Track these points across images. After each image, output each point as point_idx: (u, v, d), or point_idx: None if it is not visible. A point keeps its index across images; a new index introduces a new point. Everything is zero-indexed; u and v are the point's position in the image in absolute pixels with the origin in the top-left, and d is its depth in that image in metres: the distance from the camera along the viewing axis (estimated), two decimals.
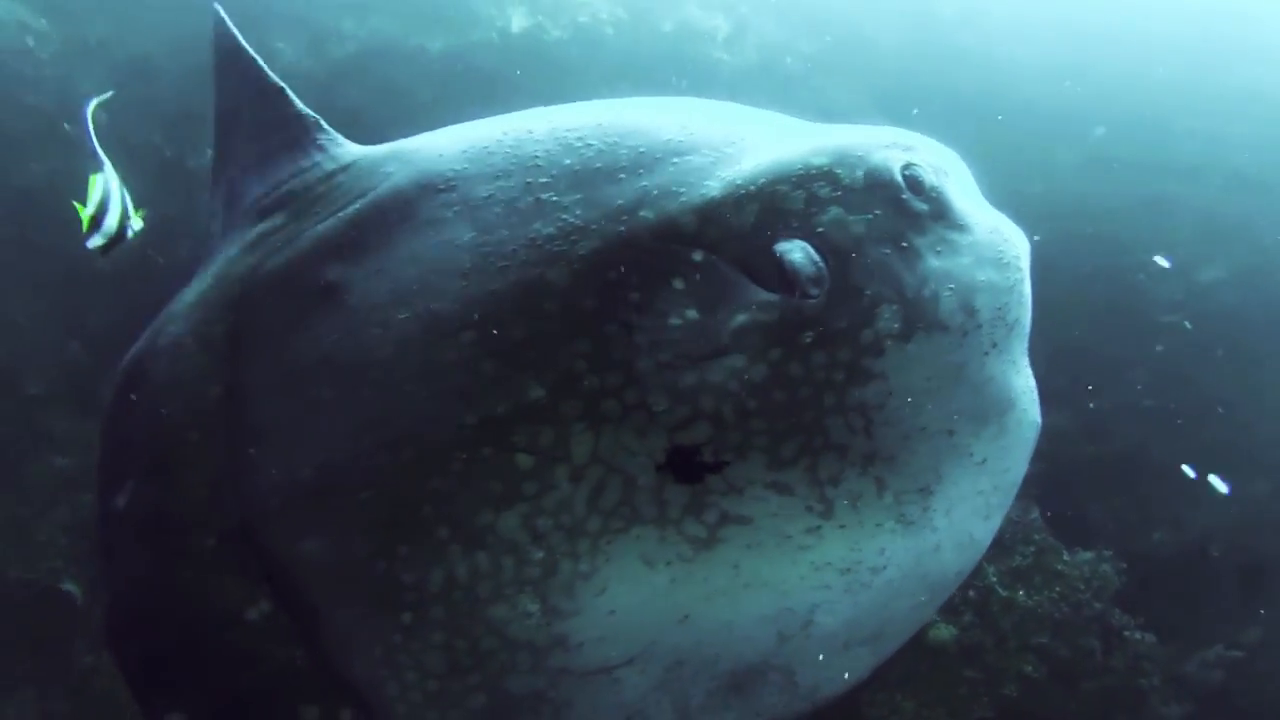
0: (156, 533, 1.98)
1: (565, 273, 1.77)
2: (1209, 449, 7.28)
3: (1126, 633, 6.23)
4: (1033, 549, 5.91)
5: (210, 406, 1.96)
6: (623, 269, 1.75)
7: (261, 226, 2.19)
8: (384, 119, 7.43)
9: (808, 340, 1.73)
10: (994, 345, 1.85)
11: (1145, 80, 8.44)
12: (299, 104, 2.36)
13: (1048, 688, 5.76)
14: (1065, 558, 5.98)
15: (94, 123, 3.30)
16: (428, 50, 7.54)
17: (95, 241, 3.12)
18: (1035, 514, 6.04)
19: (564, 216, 1.83)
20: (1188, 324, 7.48)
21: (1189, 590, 6.91)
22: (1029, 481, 6.12)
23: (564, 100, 6.88)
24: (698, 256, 1.76)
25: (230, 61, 2.54)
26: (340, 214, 2.05)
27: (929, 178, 1.88)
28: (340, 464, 1.79)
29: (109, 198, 3.10)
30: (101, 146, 3.22)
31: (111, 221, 3.09)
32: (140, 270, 6.12)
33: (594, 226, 1.80)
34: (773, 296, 1.74)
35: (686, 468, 1.69)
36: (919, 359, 1.76)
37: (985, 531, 1.91)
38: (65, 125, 6.31)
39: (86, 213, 3.09)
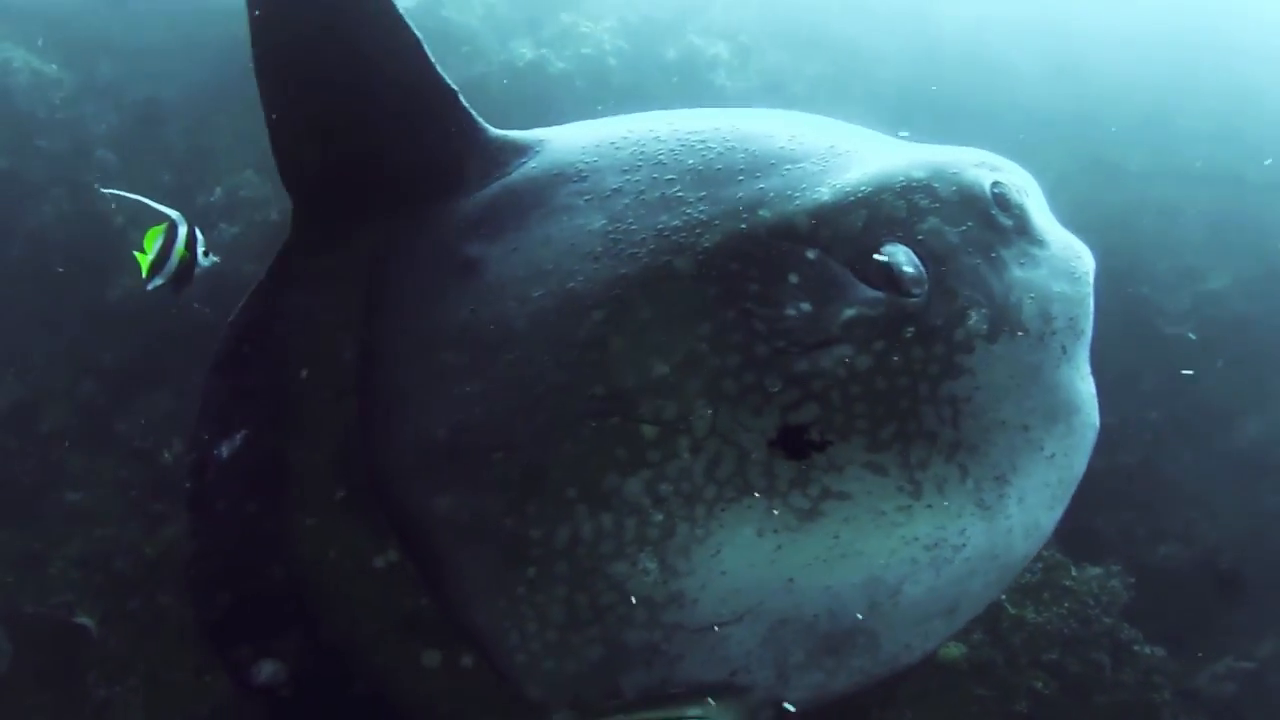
0: (278, 482, 2.07)
1: (691, 262, 1.91)
2: (1218, 460, 7.30)
3: (1136, 647, 6.21)
4: (1041, 565, 5.91)
5: (343, 367, 2.08)
6: (743, 262, 1.91)
7: (394, 202, 2.28)
8: None
9: (908, 335, 1.89)
10: (1064, 351, 2.01)
11: (1146, 82, 8.47)
12: (444, 76, 2.36)
13: (1059, 703, 5.75)
14: (1074, 573, 5.99)
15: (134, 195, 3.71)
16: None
17: (156, 283, 3.44)
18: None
19: (689, 211, 1.98)
20: (1192, 335, 7.50)
21: (1199, 603, 6.91)
22: None
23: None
24: (811, 255, 1.91)
25: (378, 38, 2.35)
26: (476, 195, 2.18)
27: (1014, 196, 2.06)
28: (475, 426, 1.90)
29: (170, 243, 3.41)
30: (116, 187, 3.36)
31: (172, 265, 3.42)
32: (152, 308, 6.23)
33: (716, 222, 1.95)
34: (878, 294, 1.90)
35: (795, 445, 1.84)
36: (1002, 358, 1.92)
37: (1050, 521, 2.07)
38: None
39: (148, 259, 3.41)
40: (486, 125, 2.32)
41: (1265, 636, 7.02)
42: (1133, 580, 6.17)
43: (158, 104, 7.55)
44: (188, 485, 2.19)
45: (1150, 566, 6.69)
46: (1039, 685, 5.79)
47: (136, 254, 3.46)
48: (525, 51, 7.73)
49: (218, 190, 7.19)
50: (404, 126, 2.29)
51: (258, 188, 7.31)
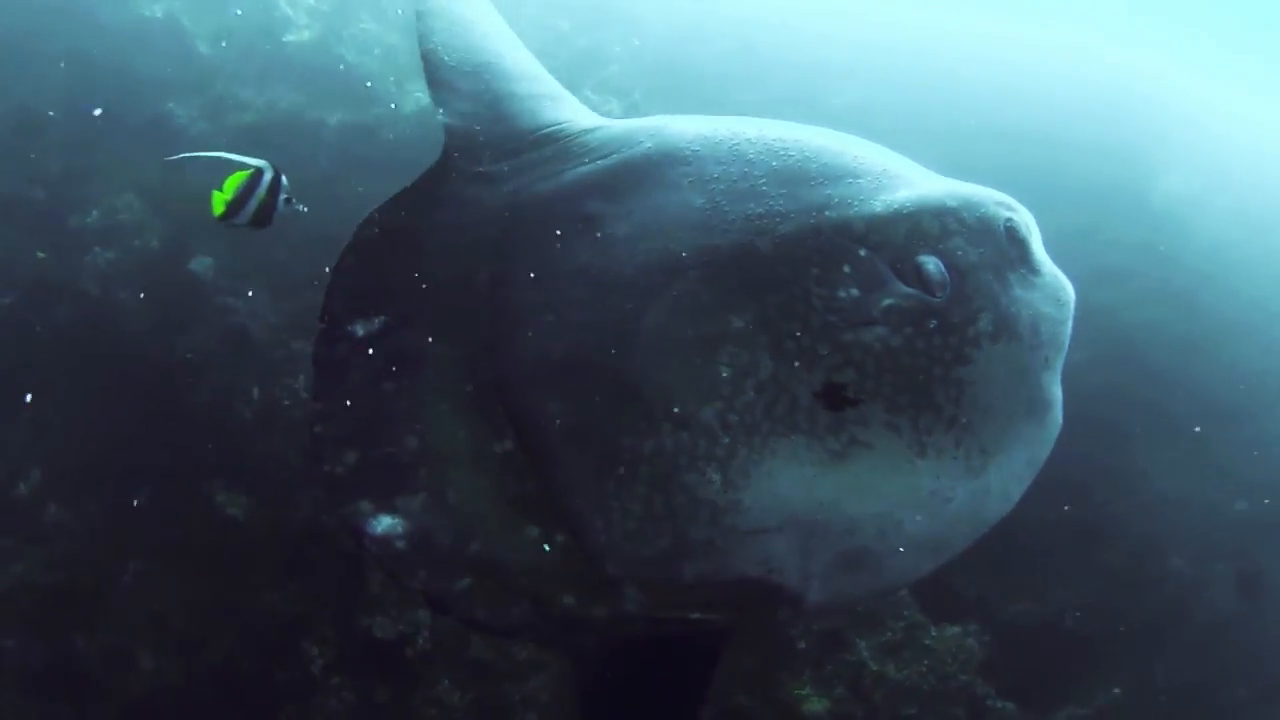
0: (415, 368, 2.43)
1: (769, 244, 2.35)
2: (1070, 524, 7.68)
3: (990, 702, 6.51)
4: (903, 624, 6.16)
5: (479, 286, 2.46)
6: (808, 250, 2.35)
7: (530, 155, 2.68)
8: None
9: (931, 326, 2.32)
10: (1047, 361, 2.46)
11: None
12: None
13: None
14: (934, 632, 6.24)
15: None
16: (326, 123, 7.59)
17: (233, 223, 3.75)
18: (904, 590, 6.29)
19: (770, 203, 2.41)
20: None
21: (1047, 659, 7.23)
22: None
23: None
24: (862, 252, 2.35)
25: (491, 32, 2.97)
26: (600, 163, 2.60)
27: (1021, 230, 2.48)
28: (586, 348, 2.34)
29: (252, 189, 3.71)
30: None
31: (249, 210, 3.72)
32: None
33: (792, 215, 2.39)
34: (911, 291, 2.34)
35: (834, 399, 2.28)
36: (1001, 357, 2.36)
37: (1017, 492, 2.50)
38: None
39: (224, 198, 3.71)
40: (591, 111, 2.88)
41: (1101, 687, 7.40)
42: (987, 639, 6.45)
43: (32, 114, 7.29)
44: (316, 352, 2.51)
45: (1004, 624, 6.98)
46: None
47: (214, 191, 3.70)
48: (420, 95, 7.74)
49: (95, 213, 6.97)
50: (530, 99, 2.83)
51: (137, 212, 7.11)
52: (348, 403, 2.45)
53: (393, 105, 7.81)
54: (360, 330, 2.49)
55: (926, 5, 10.75)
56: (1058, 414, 2.51)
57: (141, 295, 6.74)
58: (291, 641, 6.05)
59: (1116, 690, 7.20)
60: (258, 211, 3.76)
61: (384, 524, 2.39)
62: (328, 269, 2.61)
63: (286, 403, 6.59)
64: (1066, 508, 7.50)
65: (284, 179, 3.79)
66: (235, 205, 3.75)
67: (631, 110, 8.44)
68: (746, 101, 9.08)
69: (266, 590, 6.19)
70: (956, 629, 6.37)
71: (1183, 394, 8.23)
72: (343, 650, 6.03)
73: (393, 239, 2.59)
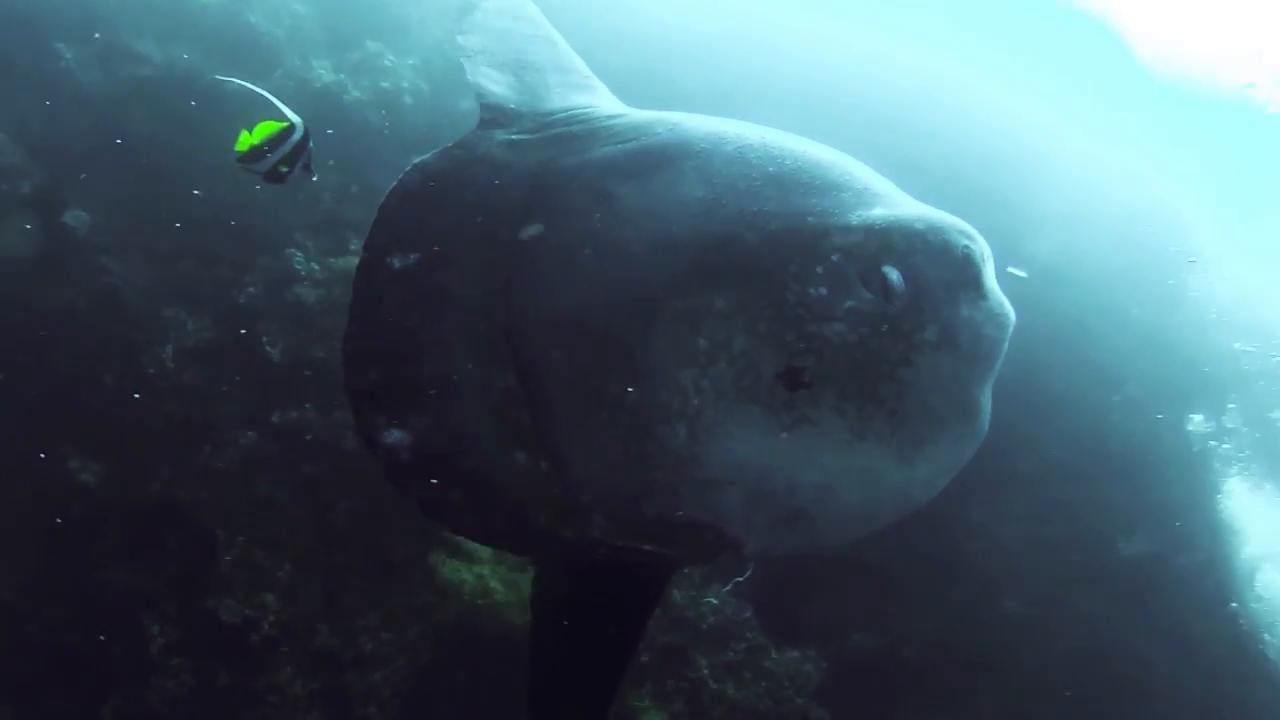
0: (440, 304, 2.73)
1: (757, 238, 2.63)
2: (916, 560, 8.00)
3: None
4: (744, 645, 6.36)
5: (503, 239, 2.73)
6: (790, 249, 2.62)
7: (559, 131, 2.95)
8: (170, 146, 7.27)
9: (884, 329, 2.58)
10: (982, 374, 2.71)
11: None
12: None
13: None
14: (773, 655, 6.45)
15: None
16: (224, 88, 7.42)
17: (247, 167, 3.80)
18: (749, 613, 6.51)
19: (763, 203, 2.67)
20: None
21: (882, 688, 7.52)
22: (744, 582, 6.56)
23: (364, 153, 6.90)
24: (835, 258, 2.61)
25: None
26: (620, 146, 2.86)
27: (976, 258, 2.71)
28: (590, 307, 2.62)
29: (276, 145, 3.79)
30: None
31: (266, 164, 3.80)
32: None
33: (780, 216, 2.66)
34: (872, 297, 2.60)
35: (792, 380, 2.55)
36: (942, 364, 2.62)
37: (941, 483, 2.79)
38: None
39: (249, 142, 3.77)
40: (616, 99, 3.13)
41: (932, 718, 7.73)
42: (825, 665, 6.69)
43: None
44: (357, 279, 2.78)
45: (843, 652, 7.23)
46: None
47: (244, 131, 3.76)
48: (324, 73, 7.64)
49: None
50: (563, 83, 3.12)
51: (9, 155, 6.84)
52: (378, 327, 2.77)
53: (293, 78, 7.68)
54: (397, 264, 2.77)
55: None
56: (984, 422, 2.77)
57: (5, 243, 6.50)
58: (132, 618, 5.93)
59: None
60: (275, 167, 3.85)
61: (393, 436, 2.69)
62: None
63: (152, 371, 6.44)
64: (915, 544, 7.81)
65: (311, 144, 3.88)
66: (257, 152, 3.81)
67: None
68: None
69: (111, 562, 6.06)
70: (796, 654, 6.60)
71: (1026, 449, 8.57)
72: (186, 631, 5.94)
73: (433, 187, 2.88)
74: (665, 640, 6.42)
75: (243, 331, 6.67)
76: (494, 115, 2.99)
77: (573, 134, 2.94)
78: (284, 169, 3.87)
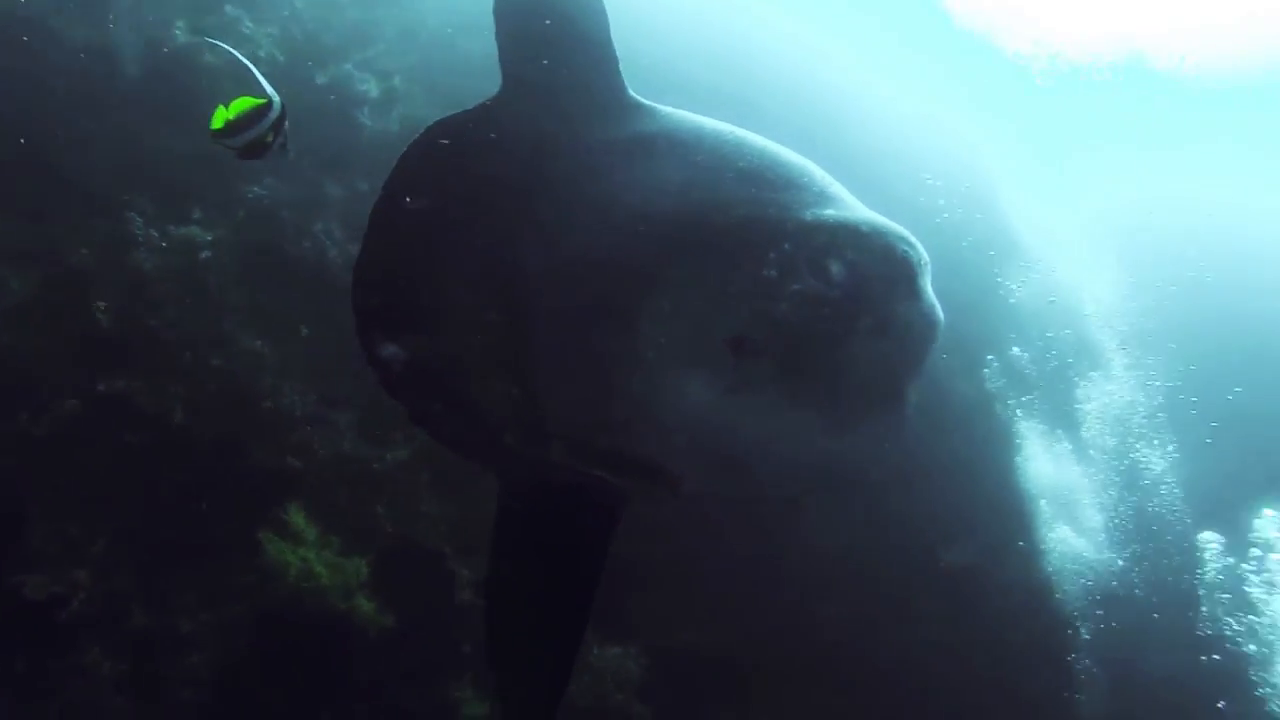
0: (445, 240, 3.09)
1: (723, 221, 2.91)
2: (741, 559, 8.21)
3: None
4: None
5: (512, 193, 3.08)
6: (749, 234, 2.87)
7: (567, 108, 3.24)
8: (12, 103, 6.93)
9: (824, 313, 2.81)
10: (909, 366, 2.96)
11: None
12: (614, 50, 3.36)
13: None
14: (596, 651, 6.54)
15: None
16: (70, 37, 7.12)
17: (224, 142, 3.85)
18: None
19: (732, 192, 2.97)
20: None
21: (703, 687, 7.69)
22: None
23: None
24: (787, 246, 2.85)
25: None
26: (616, 131, 3.18)
27: (914, 262, 2.94)
28: (575, 261, 2.95)
29: (255, 121, 3.84)
30: None
31: (244, 139, 3.85)
32: None
33: (744, 204, 2.94)
34: (816, 283, 2.83)
35: (738, 348, 2.79)
36: (873, 349, 2.85)
37: (858, 461, 3.03)
38: None
39: (225, 117, 3.82)
40: (630, 91, 3.34)
41: (758, 716, 7.96)
42: (647, 663, 6.81)
43: None
44: (374, 210, 3.12)
45: (667, 650, 7.37)
46: None
47: (220, 106, 3.82)
48: (179, 34, 7.38)
49: None
50: (579, 64, 3.32)
51: None
52: (386, 257, 3.13)
53: (146, 37, 7.41)
54: (409, 206, 3.13)
55: None
56: (908, 411, 3.04)
57: None
58: None
59: None
60: (253, 143, 3.91)
61: (389, 350, 3.07)
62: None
63: None
64: (743, 547, 8.03)
65: (286, 122, 3.94)
66: (234, 128, 3.87)
67: (388, 96, 8.29)
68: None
69: None
70: (619, 650, 6.70)
71: None
72: None
73: (454, 141, 3.21)
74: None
75: (71, 294, 6.41)
76: (514, 86, 3.31)
77: (579, 113, 3.28)
78: (269, 139, 3.92)
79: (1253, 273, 12.24)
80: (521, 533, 3.17)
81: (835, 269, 2.86)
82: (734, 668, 8.05)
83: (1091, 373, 10.97)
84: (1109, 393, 10.88)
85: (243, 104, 3.87)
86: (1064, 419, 10.66)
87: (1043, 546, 9.84)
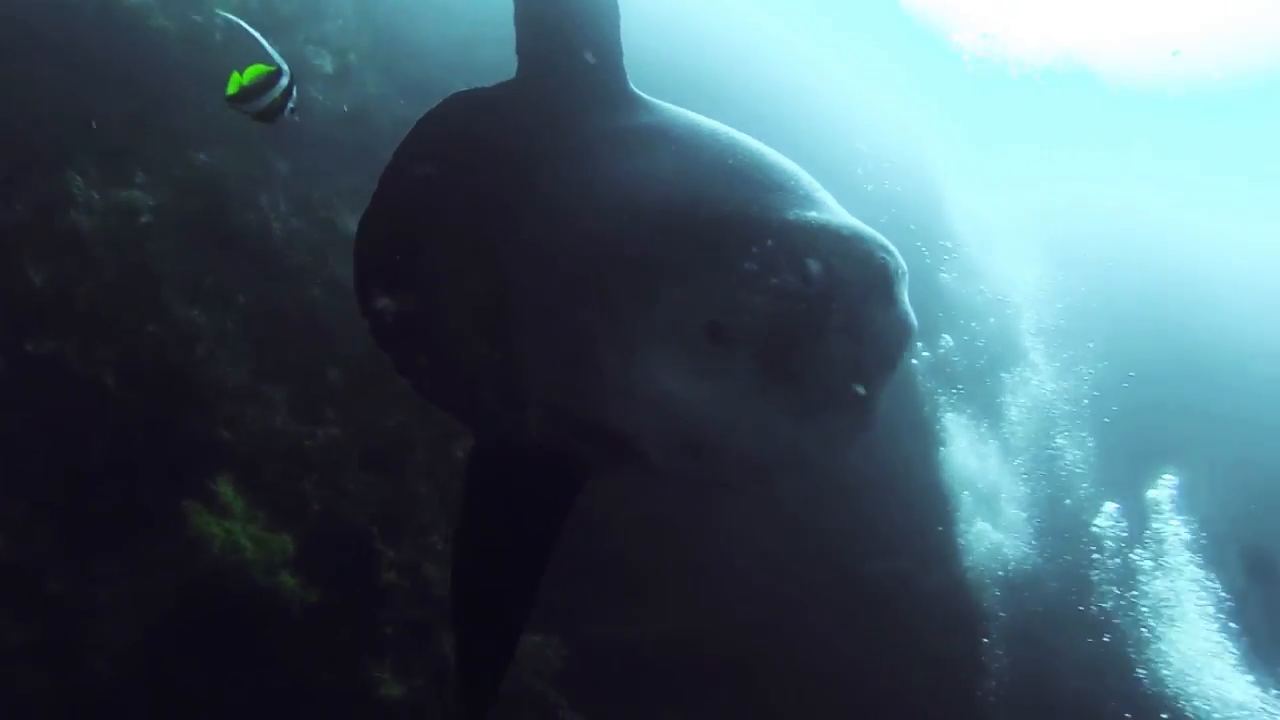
0: (446, 205, 3.26)
1: (710, 214, 3.03)
2: (668, 558, 8.32)
3: (561, 712, 6.96)
4: None
5: (507, 174, 3.25)
6: (733, 228, 2.98)
7: (575, 97, 3.39)
8: None
9: (801, 308, 2.91)
10: (879, 369, 3.05)
11: None
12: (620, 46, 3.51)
13: None
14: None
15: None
16: None
17: (239, 108, 4.09)
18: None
19: (720, 189, 3.09)
20: None
21: (623, 679, 7.78)
22: None
23: (160, 85, 6.59)
24: (770, 243, 2.95)
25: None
26: (618, 121, 3.34)
27: (892, 270, 3.05)
28: (567, 241, 3.11)
29: (267, 87, 4.07)
30: None
31: (258, 105, 4.09)
32: None
33: (731, 200, 3.06)
34: (794, 280, 2.93)
35: (715, 333, 2.88)
36: (845, 349, 2.95)
37: (822, 456, 3.15)
38: None
39: (239, 83, 4.02)
40: (632, 86, 3.49)
41: (668, 713, 8.06)
42: (567, 653, 6.88)
43: None
44: (384, 174, 3.28)
45: (588, 641, 7.44)
46: None
47: (234, 72, 4.00)
48: None
49: None
50: (588, 53, 3.43)
51: None
52: (391, 215, 3.31)
53: None
54: (418, 171, 3.30)
55: None
56: (874, 417, 3.15)
57: None
58: None
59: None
60: (267, 108, 4.12)
61: (382, 302, 3.25)
62: None
63: None
64: (670, 546, 8.14)
65: (295, 90, 4.17)
66: (248, 94, 4.07)
67: (342, 73, 8.27)
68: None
69: None
70: (539, 639, 6.76)
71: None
72: None
73: (465, 116, 3.38)
74: (412, 614, 6.47)
75: (2, 252, 6.29)
76: (529, 71, 3.47)
77: (584, 100, 3.44)
78: (281, 105, 4.18)
79: (1168, 275, 12.71)
80: (491, 491, 3.34)
81: (813, 268, 2.96)
82: (651, 663, 8.15)
83: (1015, 365, 11.21)
84: (1032, 384, 11.14)
85: (256, 70, 4.07)
86: (989, 411, 10.89)
87: (962, 541, 10.08)
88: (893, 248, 3.15)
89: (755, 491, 8.60)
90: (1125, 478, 10.50)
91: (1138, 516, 10.30)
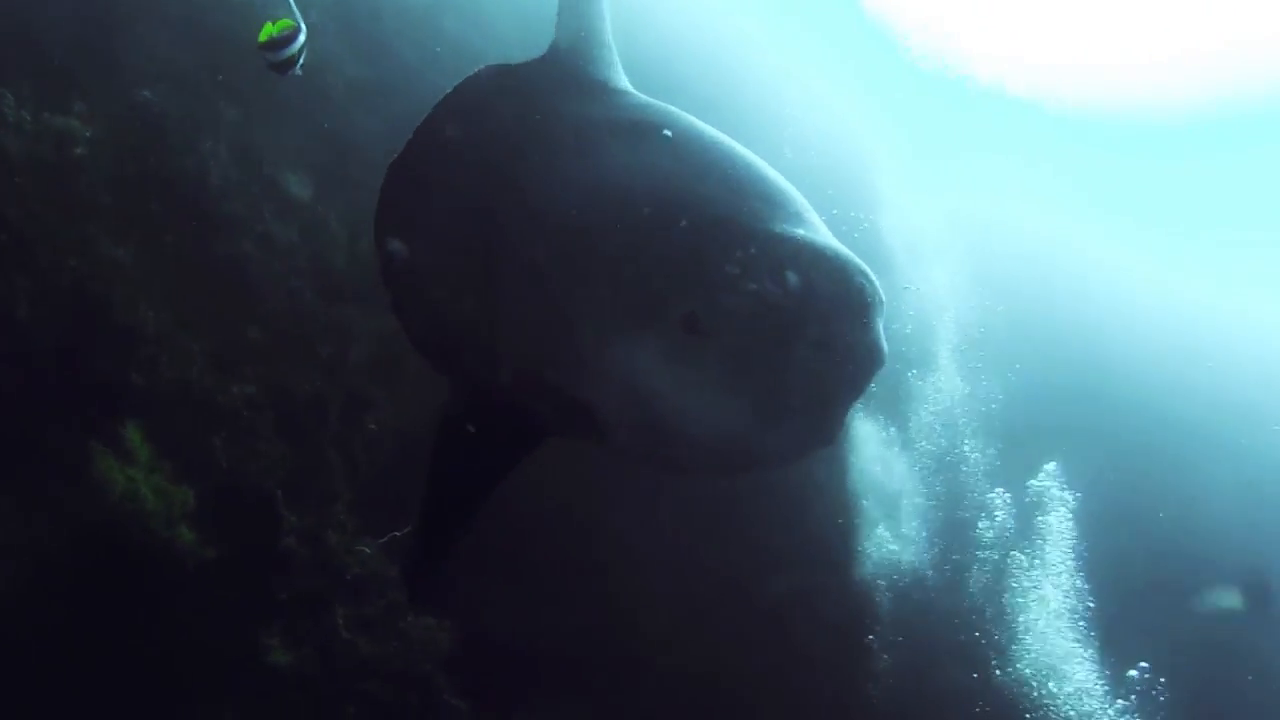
0: (460, 172, 3.48)
1: (701, 214, 3.18)
2: (569, 556, 8.33)
3: (445, 695, 6.95)
4: (384, 603, 6.45)
5: (521, 147, 3.47)
6: (720, 232, 3.13)
7: (592, 88, 3.69)
8: None
9: (774, 315, 3.03)
10: (845, 391, 3.21)
11: None
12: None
13: None
14: (410, 618, 6.57)
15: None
16: None
17: (264, 55, 4.40)
18: (395, 572, 6.60)
19: (712, 191, 3.25)
20: None
21: (511, 668, 7.78)
22: (400, 545, 6.66)
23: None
24: (753, 250, 3.08)
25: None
26: (622, 114, 3.58)
27: (868, 295, 3.17)
28: (560, 217, 3.26)
29: (287, 42, 4.40)
30: None
31: (277, 58, 4.41)
32: None
33: (722, 204, 3.21)
34: (772, 288, 3.04)
35: (690, 325, 3.01)
36: (814, 361, 3.08)
37: (776, 461, 3.39)
38: None
39: (268, 34, 4.36)
40: (630, 88, 3.79)
41: (556, 705, 8.08)
42: (458, 638, 6.88)
43: None
44: (422, 126, 3.52)
45: (481, 628, 7.43)
46: (350, 709, 6.25)
47: (267, 23, 4.36)
48: None
49: None
50: (595, 69, 3.76)
51: None
52: (415, 163, 3.53)
53: None
54: (448, 131, 3.53)
55: None
56: (834, 433, 3.29)
57: None
58: None
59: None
60: (285, 61, 4.40)
61: (395, 246, 3.52)
62: None
63: None
64: (573, 546, 8.16)
65: (306, 47, 4.44)
66: (275, 44, 4.37)
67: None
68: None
69: None
70: (432, 621, 6.75)
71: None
72: None
73: (495, 87, 3.63)
74: (309, 582, 6.41)
75: None
76: (555, 58, 3.75)
77: (605, 93, 3.71)
78: (298, 60, 4.47)
79: (1075, 297, 13.23)
80: (457, 438, 3.62)
81: (792, 280, 3.07)
82: (540, 656, 8.15)
83: (925, 372, 11.43)
84: (941, 390, 11.37)
85: (284, 24, 4.40)
86: (896, 418, 11.12)
87: (860, 547, 10.25)
88: (873, 275, 3.27)
89: (672, 491, 8.72)
90: (1016, 479, 10.89)
91: (1023, 516, 10.70)
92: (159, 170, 7.06)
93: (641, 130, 3.51)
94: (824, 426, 3.26)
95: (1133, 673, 10.03)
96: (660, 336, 3.08)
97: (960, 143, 13.74)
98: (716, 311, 3.05)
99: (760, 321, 3.05)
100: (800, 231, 3.25)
